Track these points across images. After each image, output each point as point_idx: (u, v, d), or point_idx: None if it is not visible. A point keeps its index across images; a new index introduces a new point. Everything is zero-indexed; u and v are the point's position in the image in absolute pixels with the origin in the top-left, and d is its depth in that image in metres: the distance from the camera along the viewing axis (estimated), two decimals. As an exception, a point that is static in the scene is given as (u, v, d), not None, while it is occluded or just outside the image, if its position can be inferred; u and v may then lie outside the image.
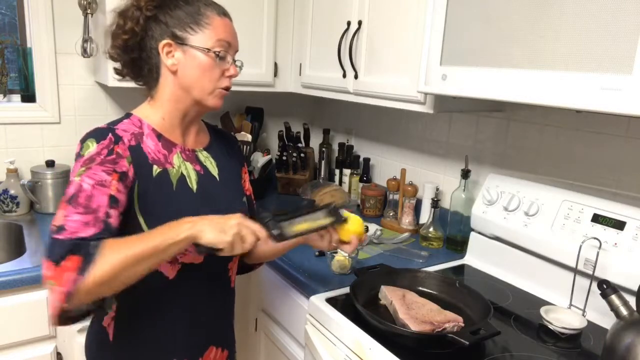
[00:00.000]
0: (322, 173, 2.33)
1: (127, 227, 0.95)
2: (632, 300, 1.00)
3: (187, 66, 1.00)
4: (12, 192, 1.82)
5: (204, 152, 1.12)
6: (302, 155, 2.26)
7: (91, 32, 1.83)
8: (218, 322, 1.15)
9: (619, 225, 1.24)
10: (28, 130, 1.92)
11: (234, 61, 1.06)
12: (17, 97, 1.95)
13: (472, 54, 1.16)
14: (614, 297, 1.01)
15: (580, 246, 1.25)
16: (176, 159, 1.05)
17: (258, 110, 2.34)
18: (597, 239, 1.23)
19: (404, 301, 1.20)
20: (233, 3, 1.88)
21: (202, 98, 1.03)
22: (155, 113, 1.05)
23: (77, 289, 0.82)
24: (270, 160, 2.27)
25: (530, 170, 1.57)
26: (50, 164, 1.89)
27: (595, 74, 0.93)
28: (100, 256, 0.83)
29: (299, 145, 2.33)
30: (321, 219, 1.08)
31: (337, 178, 2.27)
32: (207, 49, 1.00)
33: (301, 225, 1.04)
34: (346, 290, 1.31)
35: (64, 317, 0.87)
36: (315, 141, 2.42)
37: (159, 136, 1.04)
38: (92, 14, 1.81)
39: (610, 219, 1.26)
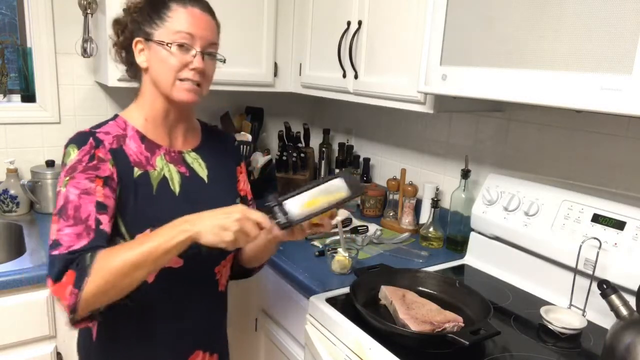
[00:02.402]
0: (322, 173, 2.33)
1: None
2: (632, 300, 1.00)
3: (152, 61, 1.00)
4: (12, 192, 1.82)
5: (192, 153, 1.10)
6: (302, 155, 2.26)
7: (91, 32, 1.83)
8: (206, 327, 1.13)
9: (619, 225, 1.24)
10: (28, 130, 1.92)
11: (207, 54, 1.01)
12: (17, 97, 1.95)
13: (472, 54, 1.16)
14: (614, 297, 1.01)
15: (580, 246, 1.25)
16: (159, 161, 1.03)
17: (258, 110, 2.34)
18: (597, 239, 1.23)
19: (404, 301, 1.20)
20: (233, 3, 1.89)
21: (166, 91, 1.01)
22: (139, 114, 1.05)
23: (78, 302, 0.84)
24: (270, 160, 2.26)
25: (530, 170, 1.57)
26: (50, 164, 1.89)
27: (595, 74, 0.93)
28: (94, 267, 0.85)
29: (299, 145, 2.33)
30: (336, 192, 0.93)
31: (337, 178, 2.27)
32: (163, 41, 0.98)
33: (313, 202, 0.92)
34: (346, 290, 1.31)
35: (80, 321, 0.90)
36: (315, 141, 2.42)
37: (143, 138, 1.03)
38: (92, 14, 1.81)
39: (610, 219, 1.26)
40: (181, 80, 0.99)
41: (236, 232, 0.86)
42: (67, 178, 0.93)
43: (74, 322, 0.88)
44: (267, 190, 2.29)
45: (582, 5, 0.94)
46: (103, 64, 1.77)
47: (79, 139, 0.97)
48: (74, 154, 0.95)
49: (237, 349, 1.82)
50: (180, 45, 0.97)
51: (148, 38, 0.99)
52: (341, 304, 1.28)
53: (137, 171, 1.00)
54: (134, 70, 1.08)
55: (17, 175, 1.86)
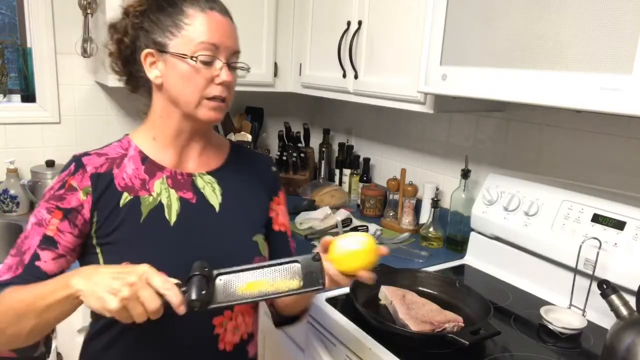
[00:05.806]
0: (322, 173, 2.33)
1: (88, 264, 0.84)
2: (632, 300, 0.99)
3: (169, 77, 0.87)
4: (12, 192, 1.82)
5: (207, 177, 0.95)
6: (302, 155, 2.26)
7: (91, 32, 1.83)
8: None
9: (619, 225, 1.24)
10: (28, 130, 1.92)
11: (229, 64, 0.89)
12: (17, 97, 1.96)
13: (472, 54, 1.16)
14: (614, 297, 1.01)
15: (580, 246, 1.25)
16: (158, 185, 0.90)
17: (258, 110, 2.34)
18: (597, 239, 1.23)
19: (404, 301, 1.20)
20: (233, 3, 1.89)
21: (189, 111, 0.88)
22: (147, 133, 0.94)
23: None
24: (270, 160, 2.27)
25: (530, 170, 1.57)
26: (50, 164, 1.89)
27: (595, 74, 0.93)
28: None
29: (299, 145, 2.33)
30: (287, 280, 0.76)
31: (337, 178, 2.27)
32: (185, 55, 0.85)
33: (256, 284, 0.75)
34: (346, 290, 1.31)
35: None
36: (315, 141, 2.42)
37: (144, 158, 0.92)
38: (92, 14, 1.81)
39: (610, 219, 1.26)
40: (207, 98, 0.88)
41: (124, 300, 0.66)
42: (37, 205, 0.87)
43: None
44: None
45: (582, 5, 0.94)
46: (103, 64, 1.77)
47: (68, 162, 0.89)
48: (56, 178, 0.88)
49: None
50: (197, 59, 0.85)
51: (162, 50, 0.86)
52: (341, 304, 1.28)
53: (125, 197, 0.88)
54: (135, 82, 0.96)
55: (17, 175, 1.86)
